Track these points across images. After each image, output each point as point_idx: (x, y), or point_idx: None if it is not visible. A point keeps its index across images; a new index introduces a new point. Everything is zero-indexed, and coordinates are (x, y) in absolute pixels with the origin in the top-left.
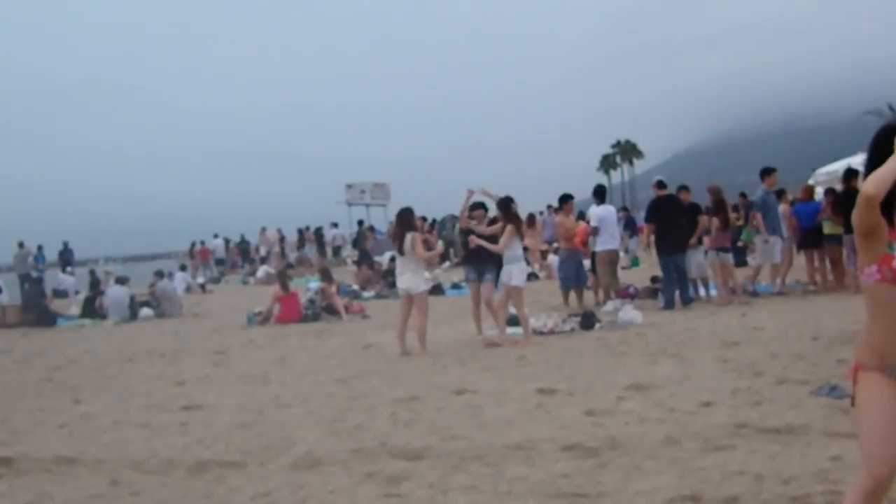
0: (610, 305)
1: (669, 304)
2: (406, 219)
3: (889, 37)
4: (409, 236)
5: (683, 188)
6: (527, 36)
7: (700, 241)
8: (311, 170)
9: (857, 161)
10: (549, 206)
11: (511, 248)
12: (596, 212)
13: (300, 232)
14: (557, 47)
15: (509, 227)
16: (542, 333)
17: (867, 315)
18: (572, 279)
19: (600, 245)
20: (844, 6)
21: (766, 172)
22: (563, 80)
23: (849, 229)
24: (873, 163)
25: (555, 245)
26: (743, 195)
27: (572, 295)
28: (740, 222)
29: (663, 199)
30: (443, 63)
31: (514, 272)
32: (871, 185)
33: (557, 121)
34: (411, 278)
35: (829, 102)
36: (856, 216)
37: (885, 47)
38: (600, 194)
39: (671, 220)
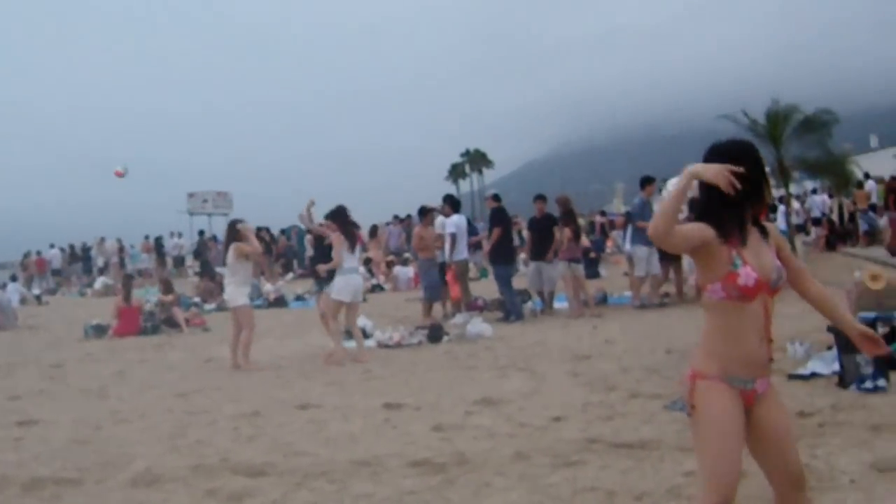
0: (458, 318)
1: (518, 316)
2: (231, 230)
3: (753, 40)
4: (231, 248)
5: (540, 198)
6: (387, 40)
7: (556, 254)
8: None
9: None
10: (396, 217)
11: (343, 259)
12: (453, 221)
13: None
14: (419, 51)
15: (335, 237)
16: (388, 346)
17: (708, 327)
18: (437, 289)
19: (456, 255)
20: (713, 11)
21: (647, 181)
22: (422, 85)
23: None
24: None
25: (404, 255)
26: (602, 212)
27: (436, 306)
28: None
29: (500, 210)
30: (299, 67)
31: (336, 285)
32: (656, 225)
33: (412, 127)
34: (232, 291)
35: (690, 109)
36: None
37: (749, 52)
38: (454, 203)
39: (507, 231)
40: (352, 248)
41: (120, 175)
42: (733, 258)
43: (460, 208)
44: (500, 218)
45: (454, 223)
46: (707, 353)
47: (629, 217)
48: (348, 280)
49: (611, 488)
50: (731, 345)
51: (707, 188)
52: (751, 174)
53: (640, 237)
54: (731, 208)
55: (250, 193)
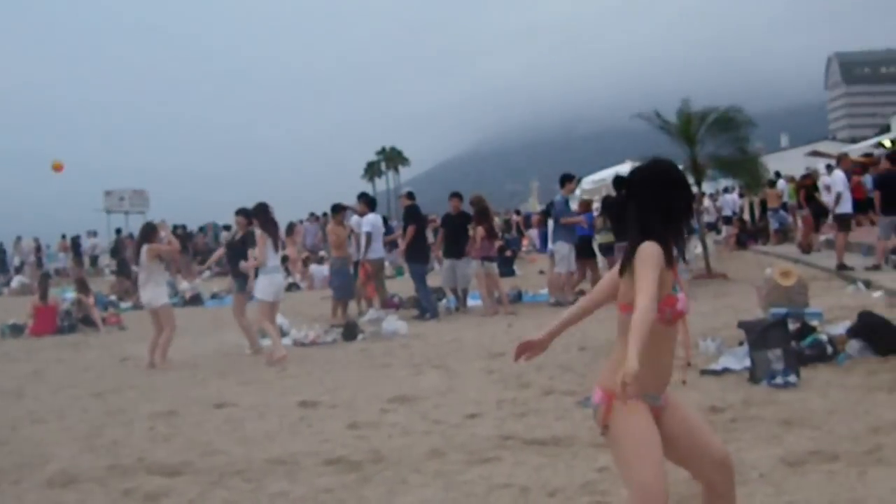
0: (371, 314)
1: (433, 314)
2: (144, 232)
3: (673, 40)
4: (144, 249)
5: (455, 195)
6: (306, 35)
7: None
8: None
9: (625, 169)
10: (312, 214)
11: (267, 258)
12: (368, 219)
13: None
14: (339, 48)
15: (259, 235)
16: (304, 345)
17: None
18: (349, 288)
19: (372, 253)
20: (636, 9)
21: (567, 179)
22: (341, 83)
23: (620, 238)
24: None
25: (320, 254)
26: (517, 211)
27: (352, 304)
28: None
29: (412, 209)
30: (214, 62)
31: (260, 284)
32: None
33: (330, 125)
34: (151, 291)
35: (608, 107)
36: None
37: (669, 51)
38: (369, 202)
39: (421, 229)
40: (275, 246)
41: (59, 169)
42: (673, 282)
43: (376, 206)
44: (413, 216)
45: (370, 222)
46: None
47: (551, 215)
48: (272, 279)
49: (525, 484)
50: (651, 364)
51: (648, 205)
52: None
53: (563, 234)
54: (674, 229)
55: (166, 191)
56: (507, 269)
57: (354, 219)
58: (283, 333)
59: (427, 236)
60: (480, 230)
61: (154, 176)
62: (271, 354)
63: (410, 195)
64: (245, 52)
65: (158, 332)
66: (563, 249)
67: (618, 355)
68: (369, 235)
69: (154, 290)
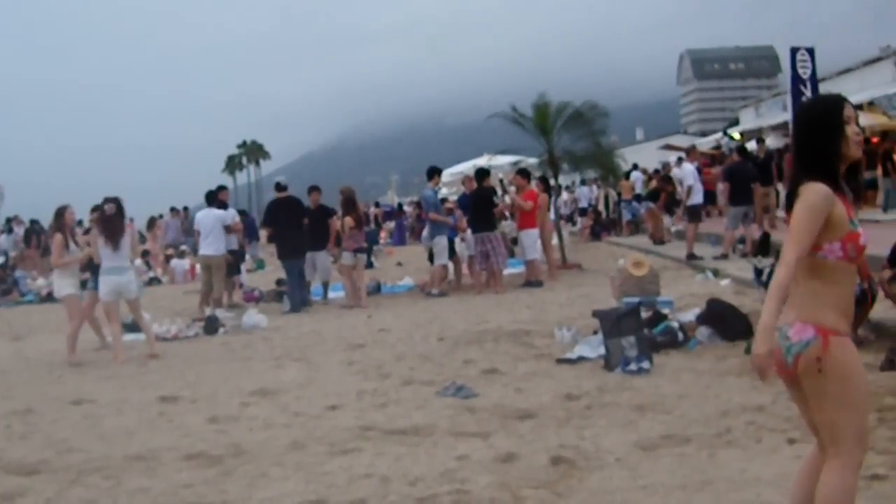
0: (207, 311)
1: (295, 308)
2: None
3: (540, 38)
4: (55, 238)
5: (314, 189)
6: (170, 30)
7: (338, 243)
8: None
9: (483, 161)
10: (172, 209)
11: (103, 258)
12: (198, 217)
13: None
14: (205, 41)
15: (92, 236)
16: (165, 339)
17: (825, 287)
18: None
19: (204, 249)
20: (512, 8)
21: (434, 172)
22: (207, 76)
23: (478, 229)
24: None
25: (181, 248)
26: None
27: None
28: None
29: (282, 201)
30: (77, 55)
31: (99, 284)
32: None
33: (197, 118)
34: (56, 282)
35: (478, 100)
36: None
37: (535, 47)
38: (206, 197)
39: (291, 222)
40: (114, 245)
41: None
42: (851, 217)
43: (212, 202)
44: (272, 210)
45: (198, 220)
46: (835, 310)
47: (421, 207)
48: (104, 280)
49: (385, 474)
50: (847, 304)
51: (812, 141)
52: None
53: (440, 227)
54: (838, 165)
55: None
56: (366, 262)
57: (198, 215)
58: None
59: (293, 230)
60: (349, 220)
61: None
62: (116, 354)
63: (279, 186)
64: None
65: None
66: (442, 242)
67: (823, 295)
68: (198, 233)
69: (58, 280)
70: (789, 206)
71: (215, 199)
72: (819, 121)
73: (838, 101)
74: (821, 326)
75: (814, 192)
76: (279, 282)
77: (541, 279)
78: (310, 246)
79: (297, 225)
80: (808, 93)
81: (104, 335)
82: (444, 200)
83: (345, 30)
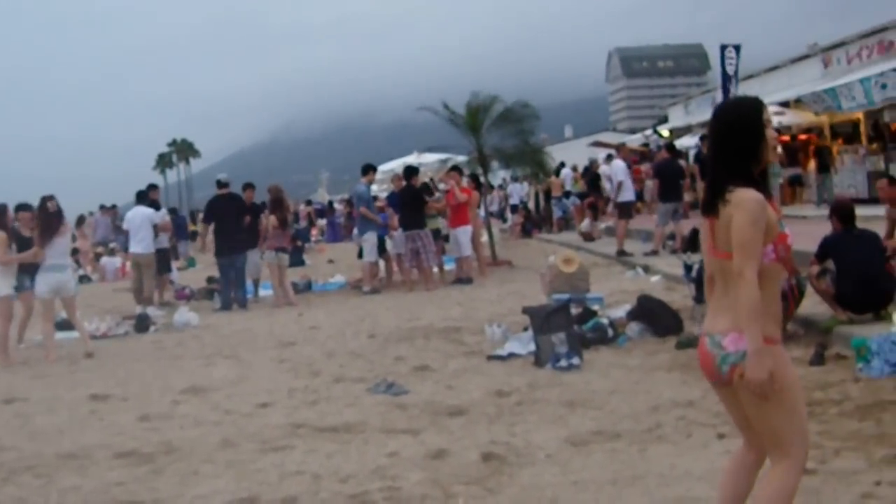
0: (138, 309)
1: (226, 306)
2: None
3: (478, 36)
4: None
5: (248, 186)
6: (99, 25)
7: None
8: None
9: (413, 159)
10: (102, 206)
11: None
12: (128, 215)
13: None
14: (138, 38)
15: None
16: (95, 338)
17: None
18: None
19: (133, 247)
20: (445, 5)
21: (368, 169)
22: (139, 74)
23: (408, 227)
24: None
25: (111, 245)
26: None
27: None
28: None
29: (223, 197)
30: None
31: (38, 280)
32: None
33: (128, 115)
34: None
35: (407, 98)
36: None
37: (473, 46)
38: (137, 196)
39: (230, 219)
40: (54, 242)
41: None
42: (777, 219)
43: (143, 200)
44: (210, 207)
45: (127, 218)
46: (768, 315)
47: (353, 203)
48: (44, 277)
49: (317, 472)
50: (777, 305)
51: (735, 144)
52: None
53: (369, 224)
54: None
55: None
56: (297, 259)
57: (127, 214)
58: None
59: (232, 228)
60: (273, 219)
61: None
62: (47, 353)
63: (220, 183)
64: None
65: (25, 317)
66: (372, 238)
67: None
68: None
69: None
70: (709, 210)
71: (145, 197)
72: (741, 123)
73: (759, 104)
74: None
75: (751, 202)
76: (210, 279)
77: (471, 276)
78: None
79: (236, 222)
80: (733, 89)
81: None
82: (375, 198)
83: (279, 27)
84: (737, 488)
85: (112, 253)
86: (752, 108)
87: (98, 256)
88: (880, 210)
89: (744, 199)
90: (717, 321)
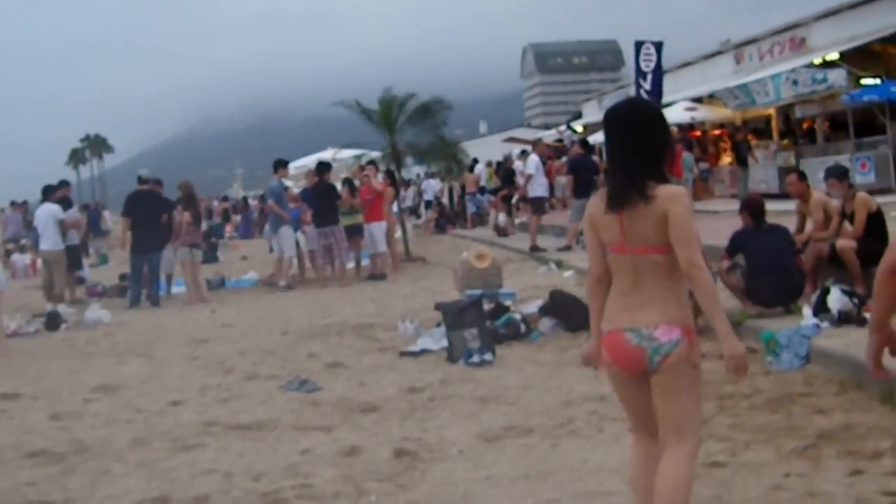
0: (48, 307)
1: (135, 302)
2: None
3: (400, 31)
4: None
5: (157, 182)
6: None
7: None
8: None
9: (328, 155)
10: (13, 203)
11: None
12: (37, 211)
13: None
14: (52, 34)
15: None
16: (5, 336)
17: (680, 285)
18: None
19: (43, 244)
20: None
21: (280, 164)
22: (55, 67)
23: (321, 223)
24: None
25: (21, 242)
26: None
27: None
28: None
29: (142, 193)
30: None
31: None
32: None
33: (41, 113)
34: None
35: (323, 94)
36: None
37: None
38: (52, 192)
39: (148, 215)
40: None
41: None
42: None
43: (48, 196)
44: (130, 203)
45: (36, 215)
46: (688, 307)
47: (265, 198)
48: None
49: (229, 470)
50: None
51: (656, 143)
52: None
53: (281, 220)
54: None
55: None
56: (211, 256)
57: (37, 211)
58: None
59: (151, 225)
60: (186, 216)
61: None
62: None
63: (140, 179)
64: None
65: None
66: (287, 233)
67: (681, 293)
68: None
69: None
70: (621, 205)
71: (52, 193)
72: (659, 122)
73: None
74: (685, 327)
75: (685, 195)
76: (123, 276)
77: (385, 272)
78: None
79: (154, 219)
80: (646, 86)
81: None
82: (286, 188)
83: (198, 21)
84: (651, 484)
85: (23, 250)
86: (660, 109)
87: (8, 253)
88: (791, 205)
89: (677, 192)
90: (640, 316)
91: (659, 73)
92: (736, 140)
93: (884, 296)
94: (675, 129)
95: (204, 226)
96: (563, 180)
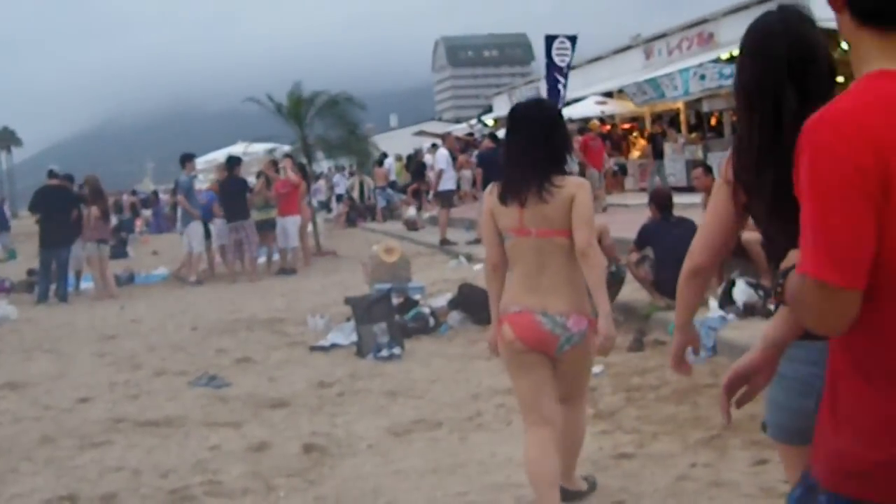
0: None
1: (43, 297)
2: None
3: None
4: None
5: (66, 178)
6: None
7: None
8: None
9: (239, 149)
10: None
11: None
12: None
13: None
14: None
15: None
16: None
17: (576, 269)
18: None
19: None
20: None
21: (187, 158)
22: None
23: (231, 217)
24: None
25: None
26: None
27: None
28: None
29: (52, 188)
30: None
31: None
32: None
33: None
34: None
35: (236, 87)
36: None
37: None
38: None
39: (57, 210)
40: None
41: None
42: None
43: None
44: (40, 198)
45: None
46: (587, 295)
47: (176, 191)
48: None
49: (137, 467)
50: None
51: (562, 138)
52: None
53: (191, 216)
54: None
55: None
56: (120, 251)
57: None
58: None
59: (60, 220)
60: (94, 210)
61: None
62: None
63: (52, 173)
64: None
65: None
66: (196, 228)
67: (581, 285)
68: None
69: None
70: (524, 197)
71: None
72: (560, 121)
73: None
74: (589, 317)
75: (589, 186)
76: (30, 272)
77: (295, 267)
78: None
79: (63, 214)
80: (562, 79)
81: None
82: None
83: (111, 13)
84: (551, 470)
85: None
86: (559, 108)
87: None
88: (698, 198)
89: (584, 182)
90: (550, 302)
91: (569, 68)
92: (651, 133)
93: (685, 299)
94: (595, 123)
95: (114, 220)
96: (467, 174)
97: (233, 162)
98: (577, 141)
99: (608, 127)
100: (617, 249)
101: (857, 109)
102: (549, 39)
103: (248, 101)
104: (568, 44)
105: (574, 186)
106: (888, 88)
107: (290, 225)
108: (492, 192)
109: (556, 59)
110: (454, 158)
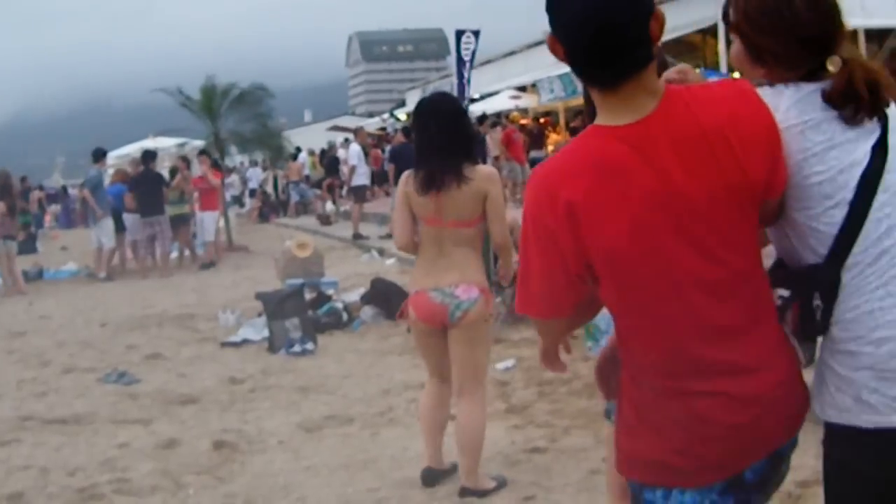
0: None
1: None
2: None
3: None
4: None
5: None
6: None
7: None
8: None
9: (150, 143)
10: None
11: None
12: None
13: None
14: None
15: None
16: None
17: (475, 251)
18: None
19: None
20: None
21: (100, 153)
22: None
23: (146, 213)
24: None
25: None
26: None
27: None
28: None
29: None
30: None
31: None
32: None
33: None
34: None
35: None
36: None
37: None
38: None
39: None
40: None
41: None
42: None
43: None
44: None
45: None
46: (484, 272)
47: (84, 186)
48: None
49: (44, 465)
50: None
51: (468, 130)
52: None
53: (103, 209)
54: None
55: None
56: (29, 246)
57: None
58: None
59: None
60: (1, 206)
61: None
62: None
63: None
64: None
65: None
66: (108, 224)
67: (478, 259)
68: None
69: None
70: (438, 187)
71: None
72: (465, 114)
73: None
74: (481, 286)
75: (497, 175)
76: None
77: (214, 261)
78: None
79: None
80: (466, 73)
81: None
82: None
83: (24, 7)
84: (440, 419)
85: None
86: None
87: None
88: None
89: (493, 173)
90: (444, 277)
91: (472, 62)
92: (573, 126)
93: None
94: (517, 116)
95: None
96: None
97: (148, 156)
98: (500, 133)
99: (527, 120)
100: None
101: (554, 170)
102: (458, 34)
103: (156, 91)
104: (472, 38)
105: (485, 180)
106: (590, 146)
107: (208, 219)
108: (406, 181)
109: (463, 54)
110: (366, 153)
